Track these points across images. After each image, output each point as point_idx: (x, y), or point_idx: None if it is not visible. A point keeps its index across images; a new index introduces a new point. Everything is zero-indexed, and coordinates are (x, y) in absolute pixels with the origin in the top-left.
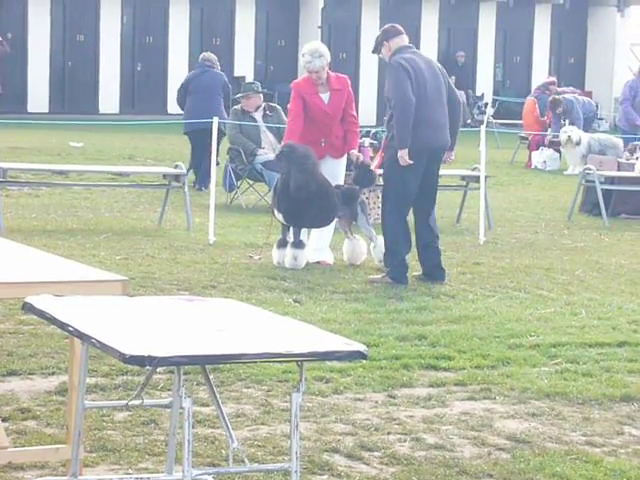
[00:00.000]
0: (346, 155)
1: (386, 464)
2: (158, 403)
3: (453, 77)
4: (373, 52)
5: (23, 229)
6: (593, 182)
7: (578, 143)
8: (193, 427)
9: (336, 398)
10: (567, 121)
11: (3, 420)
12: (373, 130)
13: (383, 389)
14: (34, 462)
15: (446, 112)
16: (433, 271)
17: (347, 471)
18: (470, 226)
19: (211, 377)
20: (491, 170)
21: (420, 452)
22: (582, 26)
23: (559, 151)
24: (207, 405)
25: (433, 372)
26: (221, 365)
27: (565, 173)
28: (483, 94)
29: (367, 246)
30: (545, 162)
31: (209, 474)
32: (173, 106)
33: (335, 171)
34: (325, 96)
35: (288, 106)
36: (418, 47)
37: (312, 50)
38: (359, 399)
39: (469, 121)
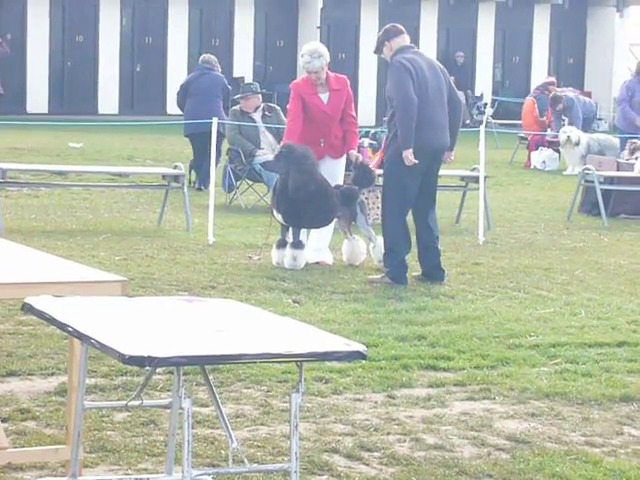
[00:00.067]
0: (345, 155)
1: (386, 464)
2: (158, 404)
3: (452, 77)
4: (375, 52)
5: (22, 230)
6: (592, 182)
7: (577, 143)
8: (193, 427)
9: (335, 398)
10: (567, 120)
11: (3, 421)
12: (372, 130)
13: (382, 389)
14: (34, 463)
15: (446, 112)
16: (432, 271)
17: (347, 471)
18: (469, 226)
19: (210, 377)
20: (490, 170)
21: (420, 452)
22: (581, 26)
23: (558, 151)
24: (207, 405)
25: (432, 372)
26: (220, 365)
27: (564, 173)
28: (482, 94)
29: (366, 246)
30: (544, 162)
31: (209, 474)
32: (172, 107)
33: (334, 171)
34: (324, 96)
35: (287, 106)
36: (417, 47)
37: (311, 50)
38: (358, 399)
39: (468, 121)
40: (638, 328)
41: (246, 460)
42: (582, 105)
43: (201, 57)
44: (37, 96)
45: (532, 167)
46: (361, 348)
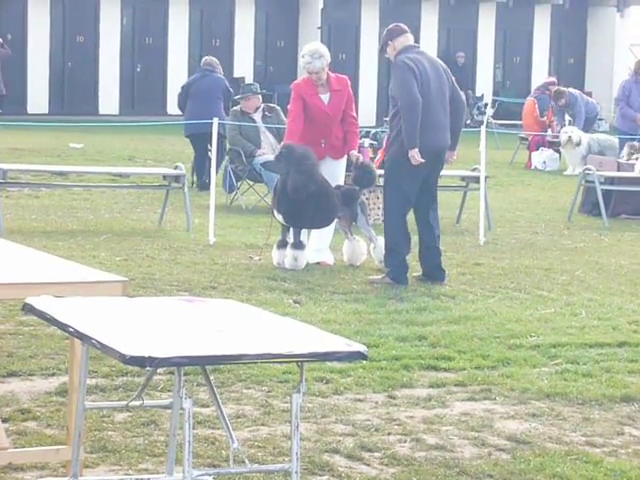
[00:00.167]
0: (346, 156)
1: (386, 465)
2: (158, 404)
3: (453, 78)
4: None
5: (23, 230)
6: (593, 182)
7: (578, 144)
8: (193, 428)
9: (336, 399)
10: (568, 119)
11: (3, 421)
12: (373, 131)
13: (383, 390)
14: (34, 463)
15: (448, 113)
16: (433, 272)
17: (347, 472)
18: (470, 227)
19: (211, 378)
20: (491, 171)
21: (420, 453)
22: (582, 26)
23: (559, 152)
24: (207, 406)
25: (433, 373)
26: (221, 366)
27: (565, 173)
28: (483, 95)
29: (367, 247)
30: (545, 163)
31: (209, 475)
32: (173, 107)
33: (335, 172)
34: (325, 97)
35: (288, 107)
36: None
37: (312, 51)
38: (359, 400)
39: (469, 121)
40: (639, 328)
41: (247, 460)
42: (585, 104)
43: (203, 59)
44: (37, 97)
45: (533, 167)
46: (362, 348)
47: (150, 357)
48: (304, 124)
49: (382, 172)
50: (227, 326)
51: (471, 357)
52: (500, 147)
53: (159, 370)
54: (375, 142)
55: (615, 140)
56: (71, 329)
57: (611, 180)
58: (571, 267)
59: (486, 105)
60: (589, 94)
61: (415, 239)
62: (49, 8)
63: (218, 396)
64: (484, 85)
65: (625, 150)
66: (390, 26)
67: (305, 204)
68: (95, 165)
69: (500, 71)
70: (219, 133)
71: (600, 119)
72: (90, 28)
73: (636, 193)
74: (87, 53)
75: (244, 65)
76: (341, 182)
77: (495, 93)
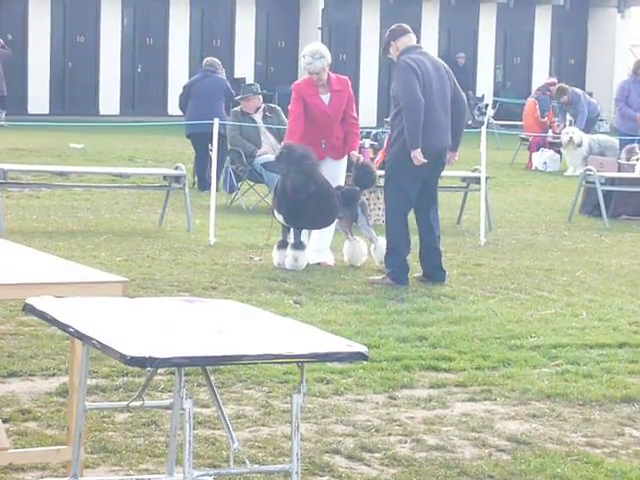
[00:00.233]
0: (346, 156)
1: (387, 465)
2: (159, 404)
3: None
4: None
5: (24, 230)
6: (593, 183)
7: (580, 145)
8: (194, 428)
9: (337, 399)
10: (569, 118)
11: (4, 421)
12: (373, 131)
13: (384, 390)
14: (35, 463)
15: (449, 114)
16: (434, 272)
17: (348, 472)
18: (470, 227)
19: (212, 378)
20: (491, 171)
21: (421, 453)
22: (582, 27)
23: (559, 152)
24: (208, 406)
25: (434, 373)
26: (222, 366)
27: (565, 174)
28: (483, 95)
29: (367, 247)
30: (545, 163)
31: (210, 475)
32: (173, 107)
33: (336, 172)
34: (326, 97)
35: (288, 107)
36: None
37: (313, 51)
38: (360, 400)
39: (470, 122)
40: (639, 329)
41: (247, 461)
42: (587, 103)
43: (205, 60)
44: (38, 97)
45: (533, 168)
46: (362, 349)
47: (150, 357)
48: (305, 124)
49: (382, 173)
50: (227, 326)
51: (472, 358)
52: (501, 148)
53: (159, 370)
54: (376, 143)
55: (615, 141)
56: (71, 329)
57: (612, 181)
58: (572, 268)
59: (487, 106)
60: (590, 95)
61: (415, 239)
62: (50, 8)
63: (218, 396)
64: (485, 86)
65: (623, 155)
66: (393, 26)
67: (305, 204)
68: (95, 165)
69: (501, 72)
70: (220, 133)
71: (601, 120)
72: (91, 28)
73: (637, 194)
74: (88, 53)
75: (245, 65)
76: (341, 182)
77: (496, 94)
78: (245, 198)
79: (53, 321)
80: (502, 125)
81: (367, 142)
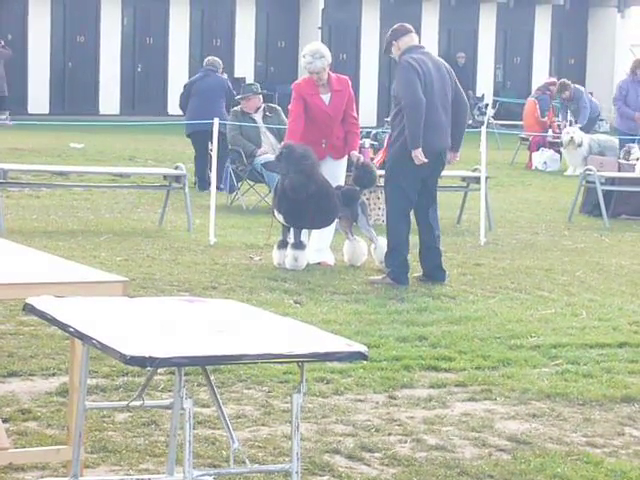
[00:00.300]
0: (347, 156)
1: (387, 465)
2: (159, 404)
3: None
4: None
5: (24, 230)
6: (594, 183)
7: (580, 145)
8: (194, 428)
9: (337, 399)
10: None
11: (4, 421)
12: (374, 131)
13: (384, 390)
14: (35, 463)
15: (449, 114)
16: (434, 272)
17: (348, 472)
18: (470, 227)
19: (212, 378)
20: (492, 171)
21: (421, 453)
22: (582, 27)
23: (559, 152)
24: (208, 406)
25: (434, 373)
26: (222, 366)
27: (565, 174)
28: (483, 95)
29: (367, 247)
30: (545, 163)
31: (210, 475)
32: (173, 107)
33: (336, 172)
34: (326, 97)
35: (289, 107)
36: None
37: (313, 51)
38: (360, 400)
39: (470, 122)
40: (639, 329)
41: (247, 460)
42: (589, 101)
43: (206, 59)
44: (38, 97)
45: (533, 168)
46: (362, 349)
47: (150, 357)
48: (305, 124)
49: (382, 172)
50: (227, 326)
51: (472, 357)
52: (501, 147)
53: (159, 370)
54: (376, 142)
55: (615, 141)
56: (71, 329)
57: (612, 181)
58: (572, 267)
59: (487, 105)
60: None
61: (415, 239)
62: (50, 8)
63: (218, 396)
64: (485, 85)
65: (622, 155)
66: (395, 26)
67: (305, 204)
68: (96, 165)
69: (501, 71)
70: (220, 132)
71: (601, 119)
72: (91, 28)
73: (637, 194)
74: (88, 53)
75: (245, 65)
76: (342, 182)
77: (496, 93)
78: (245, 198)
79: (53, 321)
80: (502, 125)
81: (367, 142)
